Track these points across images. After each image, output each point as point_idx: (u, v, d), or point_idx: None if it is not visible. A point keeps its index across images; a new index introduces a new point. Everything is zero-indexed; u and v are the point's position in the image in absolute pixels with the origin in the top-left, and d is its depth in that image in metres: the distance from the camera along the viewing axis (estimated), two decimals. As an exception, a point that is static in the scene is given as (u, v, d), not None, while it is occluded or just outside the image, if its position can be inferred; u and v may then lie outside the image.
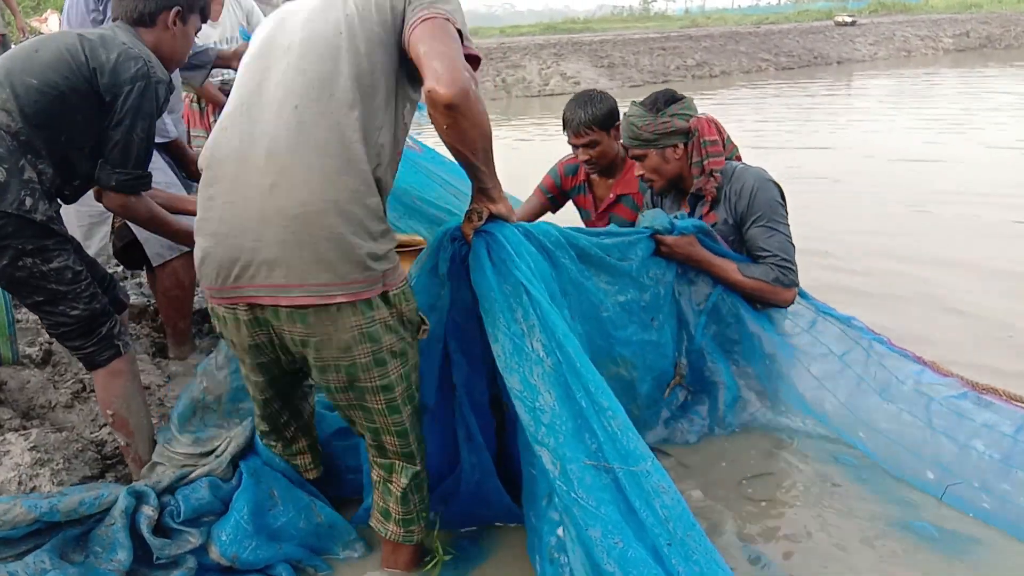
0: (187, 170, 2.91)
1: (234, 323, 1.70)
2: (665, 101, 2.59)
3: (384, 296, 1.63)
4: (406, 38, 1.61)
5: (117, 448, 2.33)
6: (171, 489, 2.01)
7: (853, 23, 26.12)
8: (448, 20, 1.60)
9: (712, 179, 2.57)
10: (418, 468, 1.85)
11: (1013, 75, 15.32)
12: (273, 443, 2.05)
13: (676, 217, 2.45)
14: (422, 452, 1.87)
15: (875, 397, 2.32)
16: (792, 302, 2.51)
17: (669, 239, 2.39)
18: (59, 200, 2.10)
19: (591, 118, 2.87)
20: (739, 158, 2.74)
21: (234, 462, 2.09)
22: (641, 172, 2.68)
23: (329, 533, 2.05)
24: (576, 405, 1.68)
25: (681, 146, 2.59)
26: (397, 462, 1.83)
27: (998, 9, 32.93)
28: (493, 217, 1.85)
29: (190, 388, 2.23)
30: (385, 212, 1.66)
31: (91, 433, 2.45)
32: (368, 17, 1.64)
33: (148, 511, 1.88)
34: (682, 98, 2.61)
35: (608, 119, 2.90)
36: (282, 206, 1.55)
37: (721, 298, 2.50)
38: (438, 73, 1.50)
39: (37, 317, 2.25)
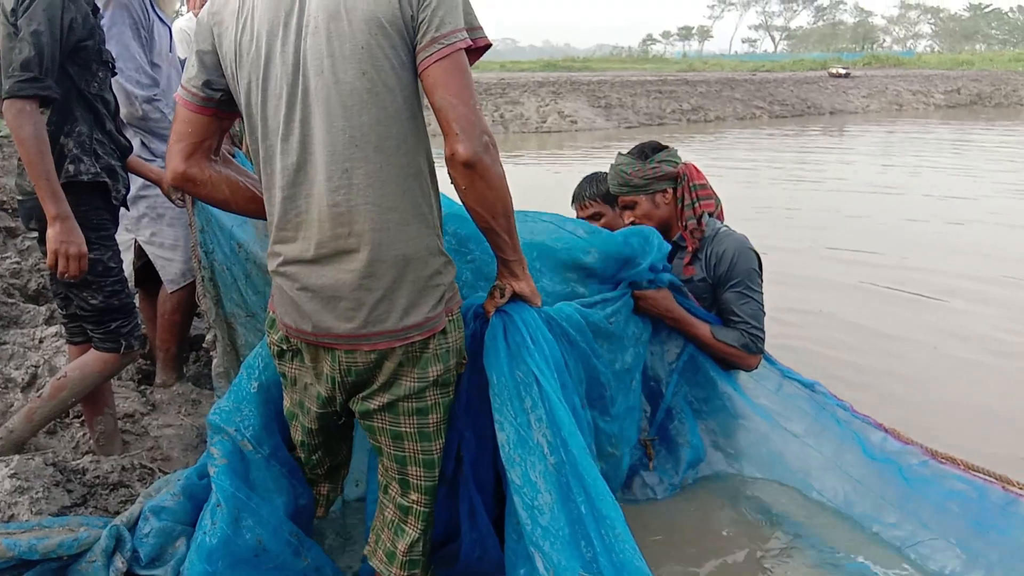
0: None
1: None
2: (652, 149, 2.66)
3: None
4: (420, 67, 1.53)
5: (98, 477, 2.32)
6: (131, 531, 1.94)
7: (847, 75, 26.64)
8: (460, 50, 1.51)
9: (699, 227, 2.61)
10: (430, 510, 1.81)
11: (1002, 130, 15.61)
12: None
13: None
14: (435, 492, 1.82)
15: (859, 455, 2.36)
16: (756, 367, 2.56)
17: (649, 293, 2.38)
18: (122, 143, 2.30)
19: (595, 191, 2.92)
20: (722, 213, 2.79)
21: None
22: (632, 219, 2.72)
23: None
24: (575, 510, 1.63)
25: (670, 191, 2.65)
26: (416, 506, 1.78)
27: (989, 67, 33.68)
28: (516, 296, 1.80)
29: None
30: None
31: (73, 461, 2.44)
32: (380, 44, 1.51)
33: (119, 563, 1.83)
34: (667, 147, 2.68)
35: (611, 195, 2.89)
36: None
37: (692, 357, 2.52)
38: (456, 135, 1.49)
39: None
